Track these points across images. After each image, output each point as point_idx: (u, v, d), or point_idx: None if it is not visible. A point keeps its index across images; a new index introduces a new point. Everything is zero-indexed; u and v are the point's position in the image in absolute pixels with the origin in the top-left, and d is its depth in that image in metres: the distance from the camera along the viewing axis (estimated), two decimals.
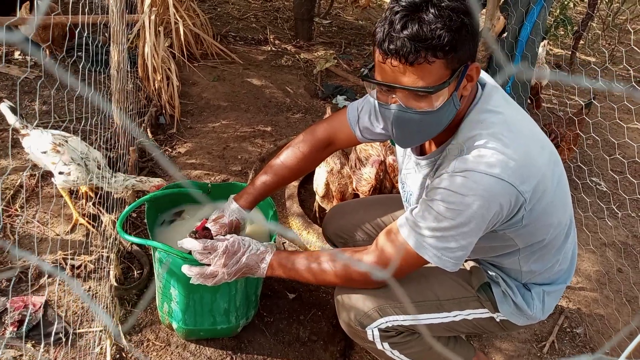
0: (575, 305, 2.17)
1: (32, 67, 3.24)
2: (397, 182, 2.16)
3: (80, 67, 2.48)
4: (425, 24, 0.98)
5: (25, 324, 1.59)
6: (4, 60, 3.19)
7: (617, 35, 5.73)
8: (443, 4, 0.99)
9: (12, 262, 1.84)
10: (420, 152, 1.33)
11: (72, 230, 2.04)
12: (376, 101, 1.14)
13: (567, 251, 1.31)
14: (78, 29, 1.78)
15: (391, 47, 1.01)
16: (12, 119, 1.91)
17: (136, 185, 1.96)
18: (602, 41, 5.78)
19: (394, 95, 1.08)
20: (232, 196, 1.57)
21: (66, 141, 1.91)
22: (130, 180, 1.95)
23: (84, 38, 1.83)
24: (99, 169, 1.92)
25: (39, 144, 1.86)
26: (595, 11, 4.54)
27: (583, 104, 3.02)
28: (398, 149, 1.45)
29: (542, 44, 3.46)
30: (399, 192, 1.48)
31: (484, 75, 1.27)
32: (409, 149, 1.34)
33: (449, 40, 0.98)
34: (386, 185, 2.19)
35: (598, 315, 2.13)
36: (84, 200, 2.17)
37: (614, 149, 3.52)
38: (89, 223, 2.07)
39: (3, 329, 1.58)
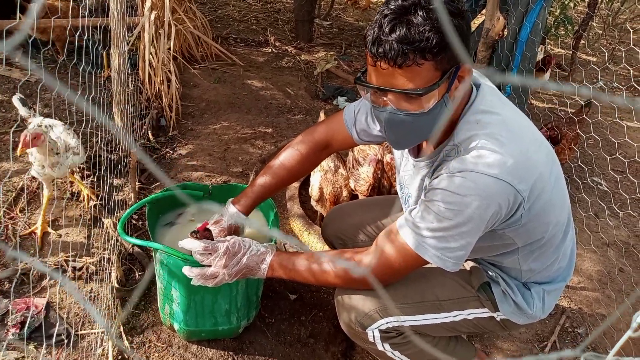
0: (577, 305, 2.17)
1: (33, 70, 3.25)
2: (395, 181, 2.16)
3: (81, 70, 2.48)
4: (414, 26, 0.99)
5: (27, 325, 1.60)
6: (4, 64, 3.20)
7: (618, 34, 5.72)
8: (432, 6, 1.00)
9: (11, 264, 1.85)
10: (418, 153, 1.33)
11: (87, 203, 2.15)
12: (371, 103, 1.15)
13: (565, 249, 1.31)
14: (78, 32, 1.80)
15: (380, 50, 1.02)
16: (22, 110, 2.00)
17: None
18: (602, 41, 5.78)
19: (385, 98, 1.09)
20: (230, 200, 1.58)
21: (50, 126, 1.93)
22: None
23: (84, 41, 1.83)
24: (58, 154, 1.86)
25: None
26: (595, 11, 4.54)
27: (583, 103, 3.02)
28: (395, 151, 1.46)
29: (540, 48, 3.46)
30: (397, 192, 1.49)
31: (478, 75, 1.27)
32: (406, 151, 1.35)
33: (438, 42, 0.99)
34: (384, 184, 2.19)
35: (600, 315, 2.13)
36: (85, 203, 2.17)
37: (614, 149, 3.52)
38: (93, 193, 2.18)
39: (5, 331, 1.59)
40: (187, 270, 1.34)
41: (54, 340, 1.57)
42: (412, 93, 1.04)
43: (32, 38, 3.14)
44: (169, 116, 2.97)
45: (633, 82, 2.74)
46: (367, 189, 2.13)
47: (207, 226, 1.46)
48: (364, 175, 2.14)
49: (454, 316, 1.35)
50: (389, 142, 1.21)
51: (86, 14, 2.70)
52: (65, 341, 1.61)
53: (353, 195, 2.26)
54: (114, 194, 2.21)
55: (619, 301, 2.21)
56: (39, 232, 1.98)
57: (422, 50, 1.00)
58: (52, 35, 3.13)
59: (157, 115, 2.96)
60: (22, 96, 2.02)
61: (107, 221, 2.06)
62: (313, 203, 2.30)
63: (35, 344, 1.60)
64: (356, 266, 1.23)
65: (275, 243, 1.50)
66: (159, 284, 1.63)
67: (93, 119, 2.25)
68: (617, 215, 2.81)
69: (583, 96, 3.13)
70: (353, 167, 2.22)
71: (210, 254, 1.32)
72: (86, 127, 2.27)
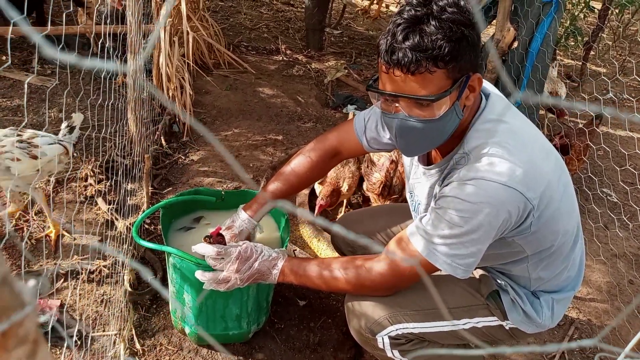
0: (586, 317, 2.17)
1: (50, 75, 3.32)
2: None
3: (102, 76, 2.54)
4: (427, 35, 1.03)
5: (50, 325, 1.62)
6: (35, 70, 3.26)
7: (628, 46, 5.72)
8: (444, 16, 1.03)
9: (29, 266, 1.89)
10: (427, 162, 1.35)
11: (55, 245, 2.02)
12: (381, 111, 1.18)
13: (575, 258, 1.32)
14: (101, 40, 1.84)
15: (393, 57, 1.05)
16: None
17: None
18: (612, 52, 5.77)
19: (397, 105, 1.12)
20: (241, 206, 1.60)
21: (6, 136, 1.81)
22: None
23: (106, 48, 1.87)
24: None
25: None
26: (605, 22, 4.54)
27: (594, 115, 3.02)
28: (405, 159, 1.48)
29: (554, 64, 3.47)
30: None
31: (488, 85, 1.30)
32: (415, 159, 1.37)
33: (450, 50, 1.02)
34: (396, 182, 2.26)
35: (609, 327, 2.12)
36: (100, 206, 2.21)
37: (624, 160, 3.51)
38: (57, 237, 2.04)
39: None
40: (199, 274, 1.36)
41: (73, 341, 1.59)
42: (424, 99, 1.07)
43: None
44: (182, 122, 3.01)
45: None
46: (379, 187, 2.20)
47: (220, 231, 1.49)
48: (377, 174, 2.21)
49: (463, 324, 1.36)
50: (400, 148, 1.23)
51: (108, 21, 2.76)
52: (79, 343, 1.63)
53: (364, 198, 2.32)
54: (128, 198, 2.24)
55: (629, 313, 2.20)
56: (52, 235, 2.01)
57: (434, 58, 1.03)
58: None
59: (170, 121, 3.01)
60: (77, 117, 1.99)
61: (120, 225, 2.09)
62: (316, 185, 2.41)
63: (50, 345, 1.63)
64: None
65: (286, 248, 1.52)
66: (171, 288, 1.65)
67: (110, 124, 2.29)
68: (627, 226, 2.80)
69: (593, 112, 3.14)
70: (368, 168, 2.30)
71: (222, 258, 1.34)
72: (105, 132, 2.31)
